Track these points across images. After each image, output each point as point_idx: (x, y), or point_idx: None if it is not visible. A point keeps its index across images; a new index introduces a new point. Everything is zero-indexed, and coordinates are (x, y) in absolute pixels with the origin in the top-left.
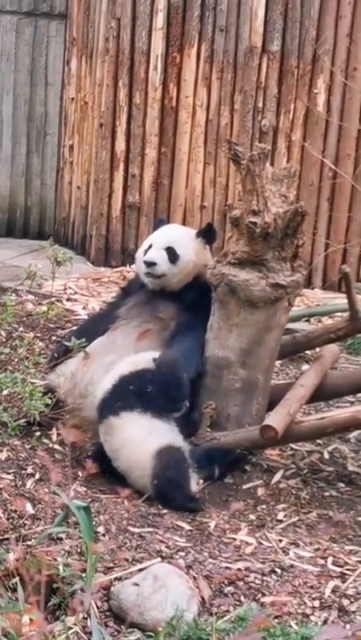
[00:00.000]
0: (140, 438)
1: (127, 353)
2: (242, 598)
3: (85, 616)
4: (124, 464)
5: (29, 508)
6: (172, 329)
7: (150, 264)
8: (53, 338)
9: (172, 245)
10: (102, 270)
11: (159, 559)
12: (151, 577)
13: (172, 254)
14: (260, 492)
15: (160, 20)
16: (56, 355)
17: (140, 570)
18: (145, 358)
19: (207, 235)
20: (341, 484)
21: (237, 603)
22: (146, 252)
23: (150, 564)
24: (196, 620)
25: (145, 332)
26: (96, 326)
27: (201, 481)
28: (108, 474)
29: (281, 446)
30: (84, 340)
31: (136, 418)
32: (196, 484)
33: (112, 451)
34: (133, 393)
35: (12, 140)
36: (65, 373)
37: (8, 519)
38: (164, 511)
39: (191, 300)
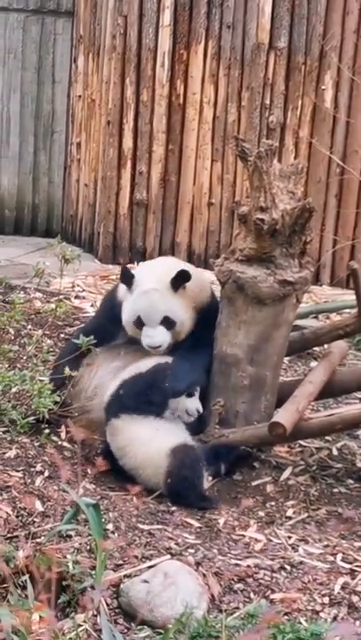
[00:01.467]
0: (147, 437)
1: (133, 360)
2: (251, 595)
3: (95, 613)
4: (131, 462)
5: (38, 506)
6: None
7: (156, 347)
8: (62, 335)
9: (166, 315)
10: (110, 268)
11: (168, 556)
12: (161, 574)
13: (168, 323)
14: (269, 488)
15: (167, 16)
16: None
17: (150, 567)
18: (149, 363)
19: (182, 281)
20: (350, 481)
21: (247, 599)
22: (136, 324)
23: (160, 561)
24: (206, 616)
25: None
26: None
27: (210, 478)
28: (117, 471)
29: (290, 443)
30: (92, 337)
31: (137, 419)
32: (206, 481)
33: (118, 449)
34: (128, 396)
35: (19, 138)
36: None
37: (17, 517)
38: (174, 508)
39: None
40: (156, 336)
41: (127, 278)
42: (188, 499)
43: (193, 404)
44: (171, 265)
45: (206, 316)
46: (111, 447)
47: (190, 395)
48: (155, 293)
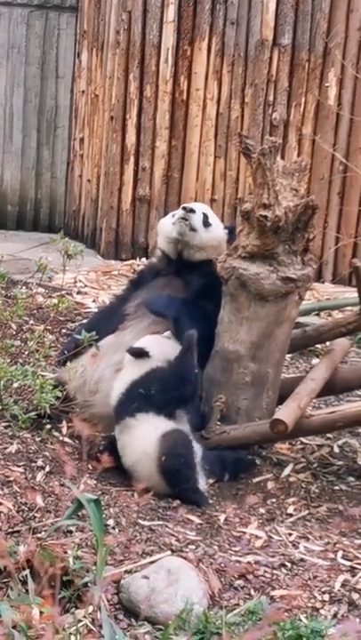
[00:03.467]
0: (147, 432)
1: None
2: (252, 592)
3: (95, 609)
4: (129, 458)
5: (39, 501)
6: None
7: (190, 210)
8: (63, 331)
9: (206, 212)
10: (112, 263)
11: (169, 552)
12: (161, 570)
13: (206, 220)
14: (270, 485)
15: (171, 12)
16: (66, 351)
17: (150, 563)
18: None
19: (231, 231)
20: (351, 478)
21: (247, 596)
22: (175, 213)
23: (160, 557)
24: (206, 613)
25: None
26: (105, 322)
27: (210, 480)
28: (120, 467)
29: (291, 440)
30: (94, 333)
31: (150, 418)
32: (205, 483)
33: (122, 447)
34: (144, 395)
35: (22, 133)
36: (74, 368)
37: (18, 512)
38: (175, 504)
39: (198, 290)
40: (195, 206)
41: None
42: (187, 482)
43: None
44: None
45: (211, 280)
46: (117, 445)
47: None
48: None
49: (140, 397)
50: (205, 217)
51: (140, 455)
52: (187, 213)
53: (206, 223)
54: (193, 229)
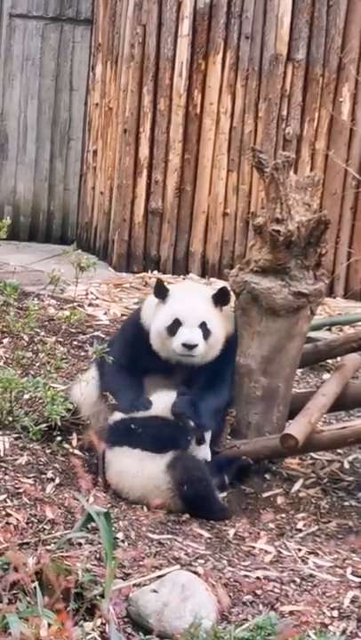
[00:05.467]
0: (136, 468)
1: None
2: (261, 607)
3: (104, 622)
4: (132, 494)
5: (49, 513)
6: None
7: (192, 346)
8: (75, 343)
9: (204, 321)
10: (124, 276)
11: (178, 566)
12: (170, 584)
13: (206, 331)
14: (280, 500)
15: (186, 26)
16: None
17: (159, 577)
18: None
19: (222, 299)
20: None
21: (256, 611)
22: (171, 328)
23: (169, 570)
24: (215, 628)
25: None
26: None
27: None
28: None
29: (301, 455)
30: (105, 345)
31: (125, 451)
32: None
33: (114, 484)
34: (126, 432)
35: (36, 145)
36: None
37: (28, 523)
38: (184, 518)
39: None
40: (195, 334)
41: (162, 291)
42: (213, 501)
43: (202, 452)
44: (205, 287)
45: (228, 348)
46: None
47: (200, 442)
48: (197, 298)
49: (122, 432)
50: (204, 328)
51: (147, 488)
52: (189, 350)
53: (206, 335)
54: (198, 354)
